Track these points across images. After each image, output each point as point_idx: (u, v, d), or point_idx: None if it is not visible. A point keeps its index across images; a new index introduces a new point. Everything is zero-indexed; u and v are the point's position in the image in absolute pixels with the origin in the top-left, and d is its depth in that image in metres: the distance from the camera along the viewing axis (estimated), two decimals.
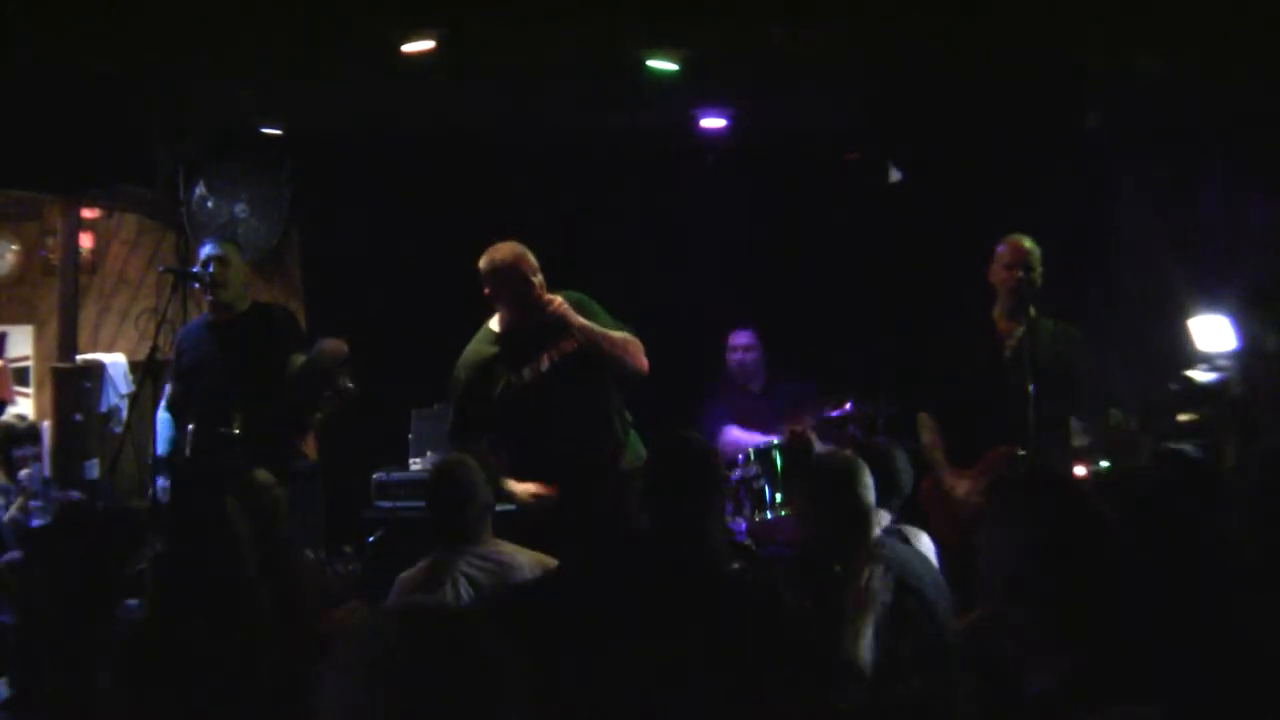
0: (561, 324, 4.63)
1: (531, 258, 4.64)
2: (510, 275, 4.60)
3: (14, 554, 5.81)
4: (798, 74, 6.02)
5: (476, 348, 4.75)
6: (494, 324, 4.76)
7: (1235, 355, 4.79)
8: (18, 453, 6.31)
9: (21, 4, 5.18)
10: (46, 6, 5.20)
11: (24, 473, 6.25)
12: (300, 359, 5.13)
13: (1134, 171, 6.94)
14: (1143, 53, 5.48)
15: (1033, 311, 4.82)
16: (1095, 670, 2.06)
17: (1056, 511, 2.19)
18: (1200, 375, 4.59)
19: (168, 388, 5.16)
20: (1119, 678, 2.03)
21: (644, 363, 4.73)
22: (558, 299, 4.63)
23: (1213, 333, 5.06)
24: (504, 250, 4.65)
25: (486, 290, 4.68)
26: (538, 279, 4.62)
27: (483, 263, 4.66)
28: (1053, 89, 6.06)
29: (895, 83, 6.07)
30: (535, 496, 4.58)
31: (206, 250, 5.21)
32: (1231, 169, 6.71)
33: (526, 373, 4.68)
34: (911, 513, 5.24)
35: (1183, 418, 4.96)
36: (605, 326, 4.70)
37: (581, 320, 4.64)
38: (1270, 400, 3.68)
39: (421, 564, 3.89)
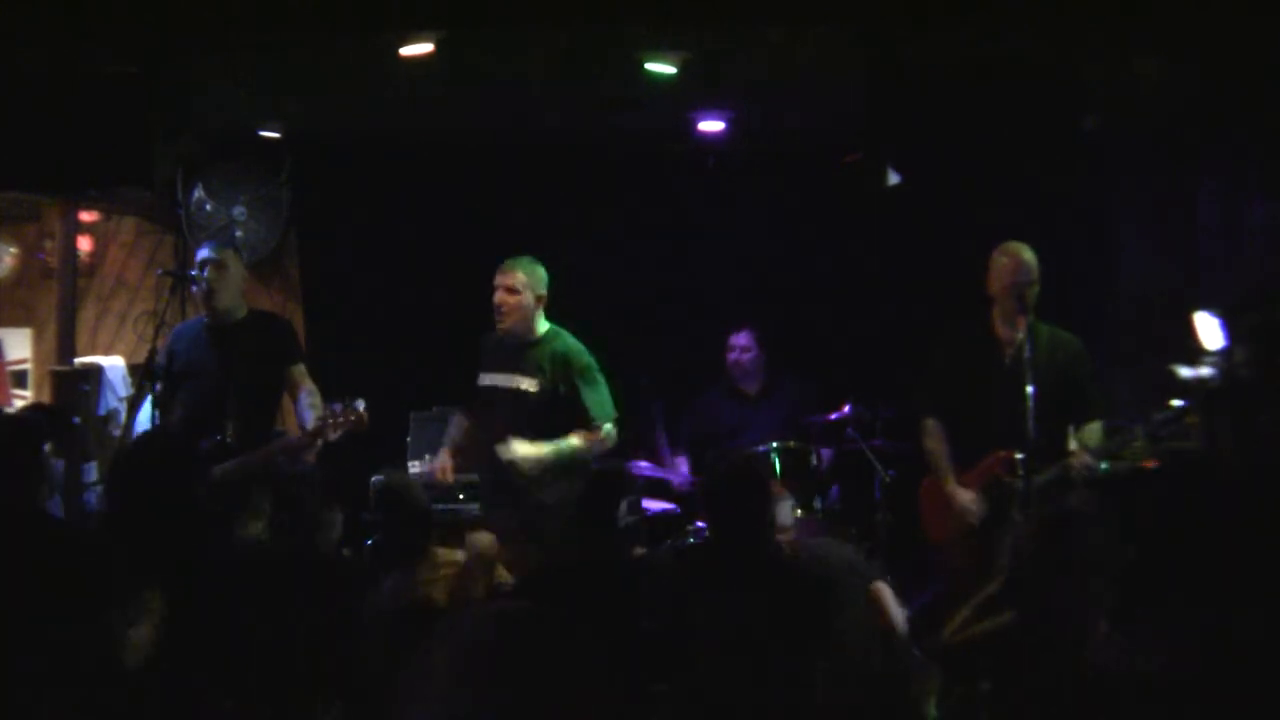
0: (536, 355, 5.07)
1: (520, 275, 5.09)
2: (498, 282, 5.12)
3: None
4: (796, 76, 6.01)
5: (489, 333, 5.24)
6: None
7: (1220, 355, 4.82)
8: None
9: (21, 5, 5.18)
10: (46, 8, 5.19)
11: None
12: (302, 368, 5.12)
13: (1133, 173, 6.94)
14: (1142, 53, 5.48)
15: (1030, 318, 4.81)
16: None
17: None
18: (1184, 371, 4.61)
19: (158, 386, 5.14)
20: None
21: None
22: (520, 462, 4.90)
23: (1207, 330, 5.08)
24: (513, 259, 5.16)
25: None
26: (514, 298, 5.06)
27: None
28: (1052, 90, 6.05)
29: (894, 84, 6.06)
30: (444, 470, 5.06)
31: (202, 254, 5.18)
32: (1231, 171, 6.70)
33: (486, 379, 5.14)
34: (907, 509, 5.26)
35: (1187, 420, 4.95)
36: (594, 398, 5.03)
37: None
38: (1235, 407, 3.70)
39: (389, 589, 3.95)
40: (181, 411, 5.07)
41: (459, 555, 4.32)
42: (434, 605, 3.90)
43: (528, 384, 5.04)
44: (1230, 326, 4.53)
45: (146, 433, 5.00)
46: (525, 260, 5.13)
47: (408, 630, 3.70)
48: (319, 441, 4.77)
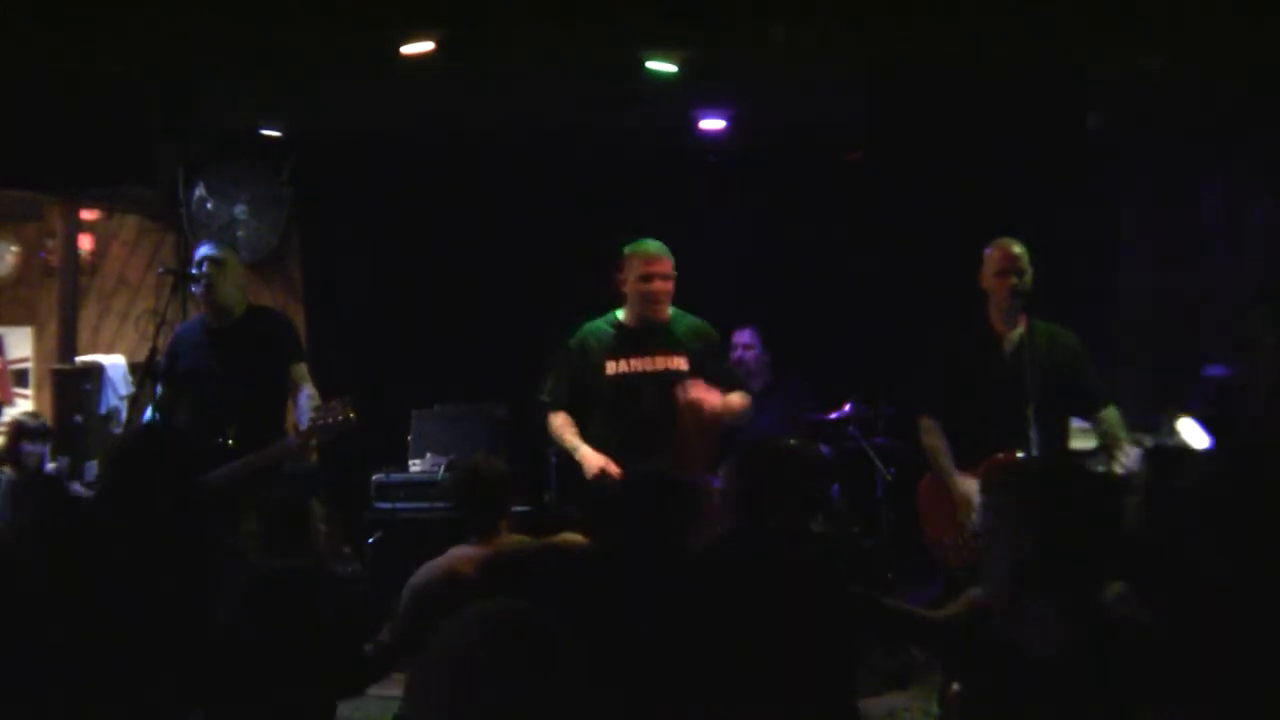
0: (677, 337, 4.89)
1: (665, 262, 4.90)
2: (636, 267, 4.91)
3: None
4: (797, 74, 6.02)
5: (595, 325, 5.00)
6: (620, 312, 4.99)
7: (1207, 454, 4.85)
8: (26, 448, 6.30)
9: (23, 4, 5.19)
10: (47, 7, 5.20)
11: (51, 466, 6.24)
12: (303, 367, 5.08)
13: (1136, 172, 6.95)
14: (1144, 53, 5.48)
15: (1028, 315, 4.81)
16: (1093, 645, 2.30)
17: (1070, 498, 2.38)
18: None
19: (159, 388, 5.11)
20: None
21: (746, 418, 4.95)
22: (710, 403, 4.75)
23: (1190, 433, 5.11)
24: (642, 244, 4.95)
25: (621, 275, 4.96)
26: (670, 283, 4.88)
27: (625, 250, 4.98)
28: (1054, 89, 6.06)
29: (894, 83, 6.08)
30: (602, 471, 4.67)
31: (201, 251, 5.16)
32: (1234, 170, 6.71)
33: (629, 365, 4.89)
34: (908, 507, 5.26)
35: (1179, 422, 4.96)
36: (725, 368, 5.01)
37: (718, 407, 4.76)
38: (1268, 393, 3.69)
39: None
40: (187, 414, 5.05)
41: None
42: (463, 577, 3.90)
43: (679, 362, 4.89)
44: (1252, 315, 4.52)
45: (145, 425, 4.98)
46: (662, 244, 5.02)
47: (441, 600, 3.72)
48: (314, 441, 4.74)
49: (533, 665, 1.72)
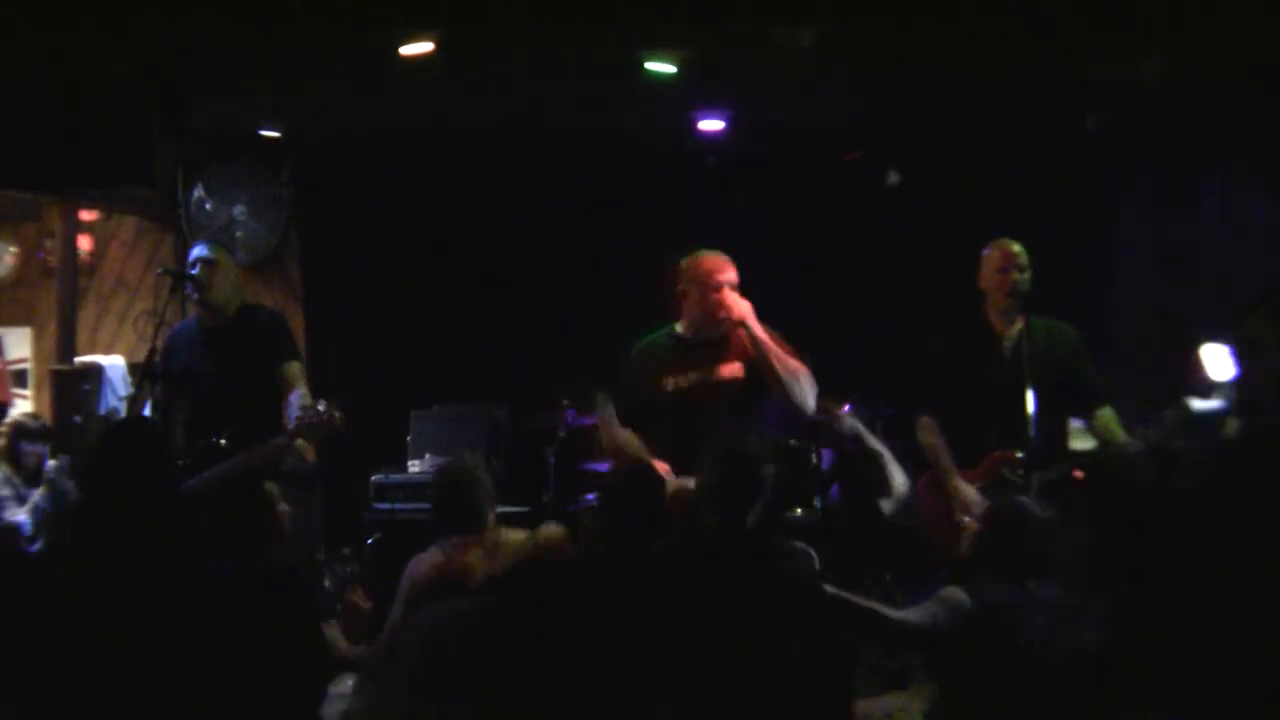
0: (733, 345, 4.67)
1: (729, 270, 4.69)
2: (699, 278, 4.69)
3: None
4: (796, 75, 6.01)
5: (653, 339, 4.81)
6: (678, 325, 4.80)
7: (1234, 384, 4.81)
8: (26, 448, 6.30)
9: (23, 4, 5.19)
10: (47, 7, 5.20)
11: (50, 465, 6.24)
12: (295, 367, 5.06)
13: (1136, 172, 6.95)
14: (1144, 53, 5.48)
15: (1026, 313, 4.82)
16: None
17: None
18: (1197, 403, 4.58)
19: (156, 387, 5.10)
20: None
21: (810, 402, 4.71)
22: (741, 306, 4.63)
23: (1215, 361, 5.07)
24: (704, 254, 4.74)
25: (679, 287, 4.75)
26: (724, 292, 4.65)
27: (682, 262, 4.76)
28: (1054, 89, 6.06)
29: (894, 83, 6.07)
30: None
31: (195, 252, 5.16)
32: (1234, 170, 6.71)
33: (686, 379, 4.68)
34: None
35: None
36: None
37: (761, 332, 4.63)
38: (1269, 393, 3.70)
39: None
40: (185, 414, 5.04)
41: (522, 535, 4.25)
42: (469, 573, 3.89)
43: (735, 368, 4.68)
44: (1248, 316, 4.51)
45: (119, 420, 4.96)
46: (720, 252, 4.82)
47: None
48: (301, 440, 4.70)
49: (487, 662, 1.72)
